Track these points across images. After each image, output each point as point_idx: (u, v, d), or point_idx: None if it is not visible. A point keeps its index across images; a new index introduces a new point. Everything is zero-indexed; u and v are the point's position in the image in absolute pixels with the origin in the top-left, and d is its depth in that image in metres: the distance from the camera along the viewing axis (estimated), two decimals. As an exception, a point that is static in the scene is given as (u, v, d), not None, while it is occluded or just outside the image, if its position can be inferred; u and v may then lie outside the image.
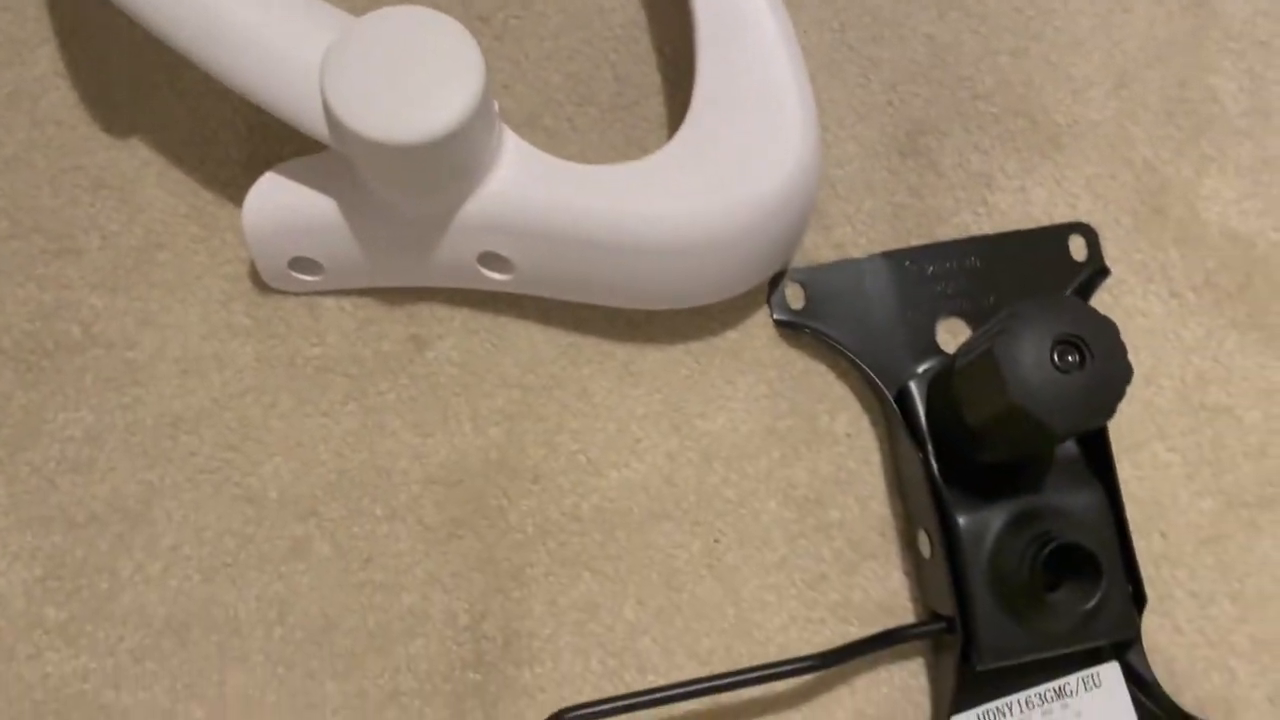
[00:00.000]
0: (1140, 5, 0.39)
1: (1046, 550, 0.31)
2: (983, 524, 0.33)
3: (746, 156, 0.31)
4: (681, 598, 0.35)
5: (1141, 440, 0.37)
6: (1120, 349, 0.29)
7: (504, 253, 0.32)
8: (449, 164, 0.29)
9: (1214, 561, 0.37)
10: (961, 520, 0.33)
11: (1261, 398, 0.38)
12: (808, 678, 0.35)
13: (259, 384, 0.35)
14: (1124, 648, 0.36)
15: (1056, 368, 0.29)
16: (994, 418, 0.31)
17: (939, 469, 0.34)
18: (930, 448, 0.34)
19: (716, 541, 0.36)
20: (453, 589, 0.34)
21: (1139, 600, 0.34)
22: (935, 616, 0.34)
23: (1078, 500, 0.33)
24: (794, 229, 0.33)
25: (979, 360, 0.31)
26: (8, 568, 0.33)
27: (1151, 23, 0.39)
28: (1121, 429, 0.37)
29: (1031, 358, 0.29)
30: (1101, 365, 0.29)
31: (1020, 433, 0.30)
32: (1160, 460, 0.37)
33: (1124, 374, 0.29)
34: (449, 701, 0.34)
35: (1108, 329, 0.29)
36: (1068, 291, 0.37)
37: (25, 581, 0.33)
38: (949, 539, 0.33)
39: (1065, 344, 0.29)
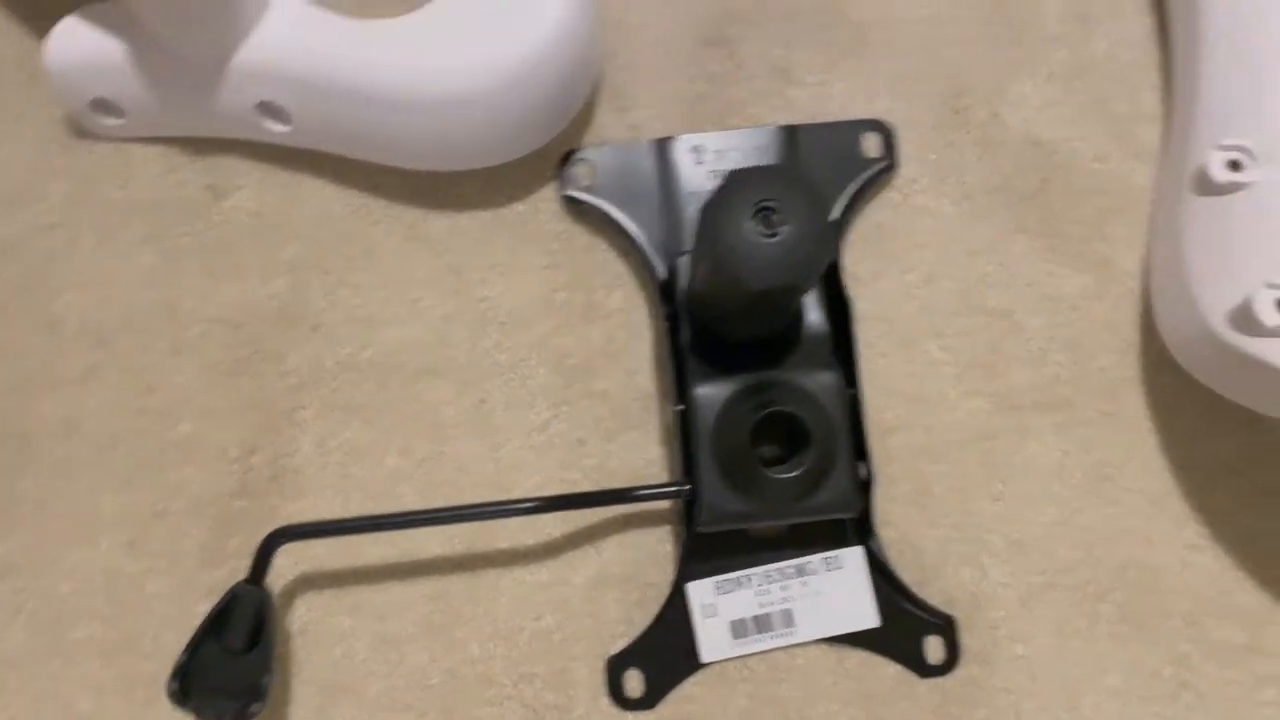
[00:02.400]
0: (965, -93, 0.40)
1: (760, 415, 0.33)
2: (717, 394, 0.35)
3: (506, 14, 0.34)
4: (444, 450, 0.38)
5: (915, 337, 0.39)
6: (819, 221, 0.31)
7: (279, 101, 0.35)
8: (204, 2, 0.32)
9: (978, 461, 0.39)
10: (698, 389, 0.36)
11: (1045, 304, 0.39)
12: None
13: (66, 221, 0.38)
14: (868, 534, 0.37)
15: (757, 231, 0.31)
16: (709, 275, 0.32)
17: (690, 343, 0.36)
18: (684, 321, 0.37)
19: (483, 401, 0.38)
20: (227, 423, 0.38)
21: (867, 483, 0.36)
22: (672, 483, 0.36)
23: (815, 380, 0.35)
24: (558, 91, 0.36)
25: (700, 222, 0.32)
26: None
27: None
28: (897, 325, 0.39)
29: (733, 219, 0.31)
30: (797, 233, 0.31)
31: (731, 291, 0.32)
32: (933, 358, 0.39)
33: (820, 244, 0.31)
34: (214, 525, 0.37)
35: (809, 200, 0.31)
36: (856, 186, 0.39)
37: None
38: (684, 406, 0.35)
39: (767, 209, 0.31)
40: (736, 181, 0.32)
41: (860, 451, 0.37)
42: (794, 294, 0.33)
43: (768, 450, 0.36)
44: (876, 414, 0.39)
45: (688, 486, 0.36)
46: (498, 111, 0.35)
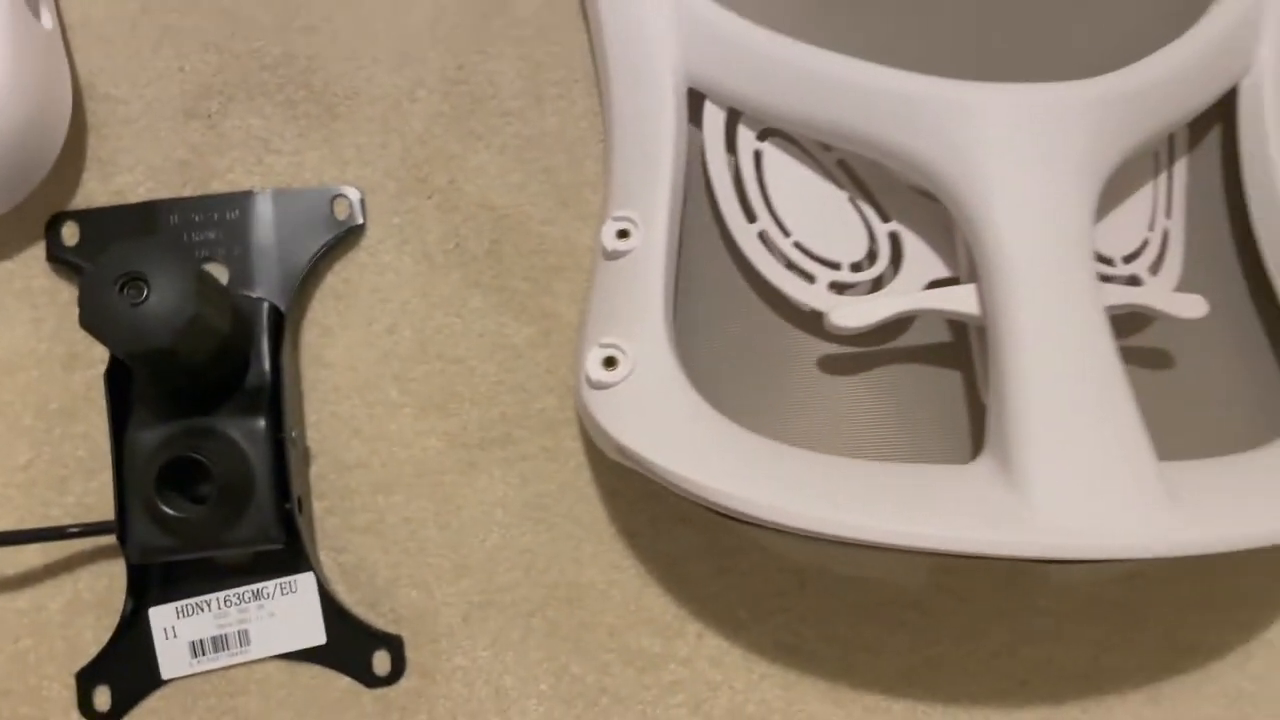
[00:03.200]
0: (433, -8, 0.45)
1: (166, 458, 0.38)
2: (151, 439, 0.39)
3: None
4: (-70, 489, 0.42)
5: (377, 382, 0.44)
6: (180, 289, 0.35)
7: None
8: None
9: (430, 492, 0.43)
10: (130, 434, 0.40)
11: (495, 351, 0.44)
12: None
13: None
14: (311, 561, 0.42)
15: (123, 299, 0.35)
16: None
17: (140, 390, 0.40)
18: (137, 369, 0.40)
19: None
20: None
21: (291, 516, 0.41)
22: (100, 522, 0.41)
23: (241, 425, 0.40)
24: (7, 176, 0.39)
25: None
26: None
27: (441, 8, 0.44)
28: (361, 371, 0.44)
29: (100, 290, 0.35)
30: (158, 301, 0.35)
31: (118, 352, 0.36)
32: (393, 401, 0.44)
33: (180, 310, 0.35)
34: None
35: (176, 272, 0.35)
36: (325, 246, 0.43)
37: None
38: (116, 449, 0.39)
39: (133, 280, 0.35)
40: (110, 254, 0.36)
41: (283, 481, 0.41)
42: (187, 361, 0.37)
43: (206, 489, 0.41)
44: (339, 452, 0.44)
45: (115, 525, 0.40)
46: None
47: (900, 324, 0.41)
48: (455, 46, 0.46)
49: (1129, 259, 0.40)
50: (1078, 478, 0.32)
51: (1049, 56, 0.39)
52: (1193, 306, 0.37)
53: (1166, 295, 0.37)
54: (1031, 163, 0.35)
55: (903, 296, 0.37)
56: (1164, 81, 0.38)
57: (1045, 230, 0.34)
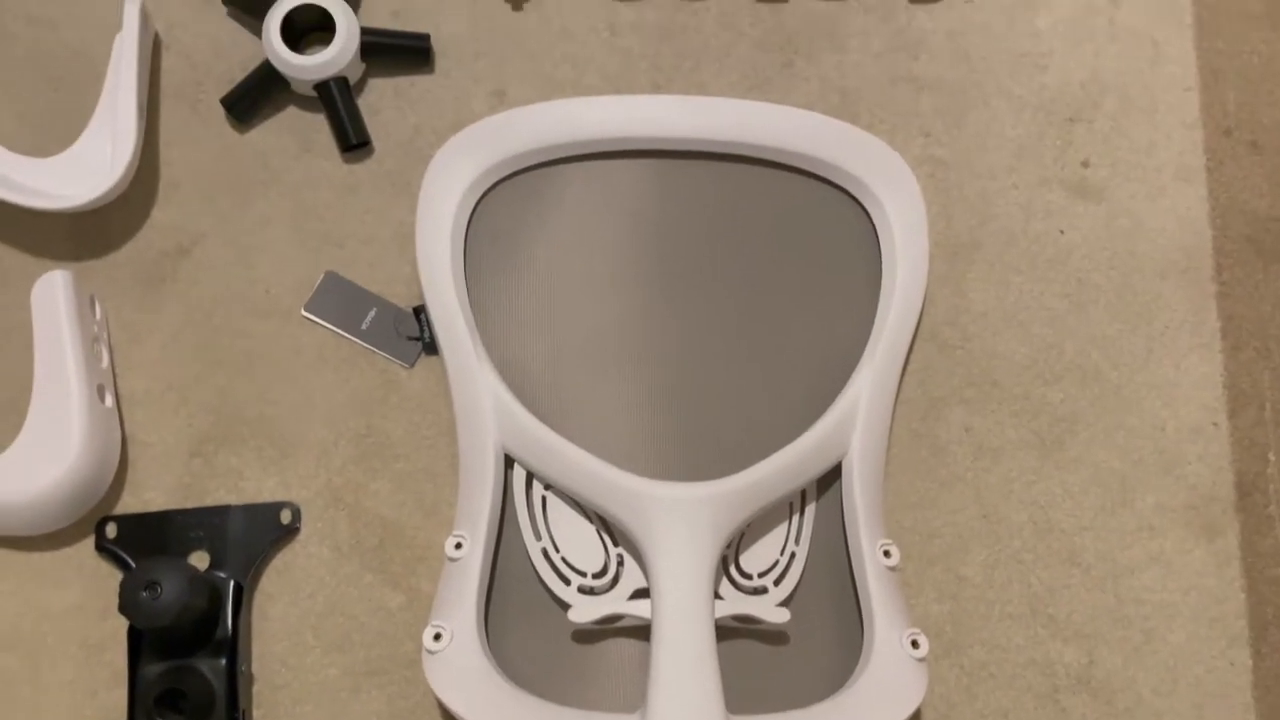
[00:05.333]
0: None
1: (160, 688, 0.60)
2: (152, 672, 0.63)
3: (42, 461, 0.61)
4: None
5: (299, 631, 0.68)
6: (179, 591, 0.58)
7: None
8: None
9: (329, 704, 0.68)
10: (140, 668, 0.64)
11: (377, 612, 0.69)
12: None
13: None
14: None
15: (145, 594, 0.58)
16: (132, 618, 0.60)
17: (148, 641, 0.63)
18: (146, 631, 0.63)
19: (36, 666, 0.64)
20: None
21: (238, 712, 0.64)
22: None
23: (210, 665, 0.63)
24: (73, 500, 0.65)
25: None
26: None
27: (354, 388, 0.69)
28: (289, 622, 0.66)
29: (134, 589, 0.58)
30: (165, 596, 0.59)
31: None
32: (309, 644, 0.68)
33: (177, 603, 0.58)
34: None
35: (179, 580, 0.58)
36: (273, 541, 0.67)
37: None
38: (131, 677, 0.62)
39: (151, 585, 0.58)
40: (142, 567, 0.60)
41: (234, 699, 0.65)
42: (179, 629, 0.60)
43: (185, 705, 0.63)
44: (272, 677, 0.68)
45: (130, 723, 0.63)
46: (33, 513, 0.62)
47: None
48: (364, 413, 0.72)
49: (762, 574, 0.65)
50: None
51: (707, 459, 0.65)
52: (779, 615, 0.61)
53: (767, 608, 0.62)
54: (678, 532, 0.60)
55: (611, 603, 0.61)
56: (774, 474, 0.64)
57: (682, 573, 0.59)
